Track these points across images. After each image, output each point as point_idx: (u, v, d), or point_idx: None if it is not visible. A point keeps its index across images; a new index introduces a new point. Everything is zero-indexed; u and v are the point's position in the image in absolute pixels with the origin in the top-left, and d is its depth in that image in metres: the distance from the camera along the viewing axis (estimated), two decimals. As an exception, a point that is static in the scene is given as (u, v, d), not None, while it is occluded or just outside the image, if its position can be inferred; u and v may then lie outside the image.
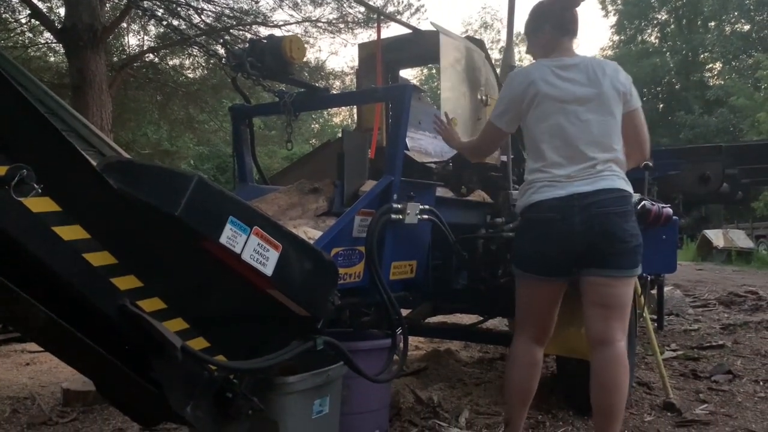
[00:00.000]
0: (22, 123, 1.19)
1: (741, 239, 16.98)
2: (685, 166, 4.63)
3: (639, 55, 31.22)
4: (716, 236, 16.79)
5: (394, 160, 2.44)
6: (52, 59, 13.34)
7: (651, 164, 3.96)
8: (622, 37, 33.99)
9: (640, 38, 33.24)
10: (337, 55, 59.70)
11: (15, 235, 1.19)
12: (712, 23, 30.81)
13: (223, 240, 1.47)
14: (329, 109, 24.03)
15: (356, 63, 4.25)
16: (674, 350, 4.60)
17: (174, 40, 11.13)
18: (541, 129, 2.29)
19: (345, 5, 11.11)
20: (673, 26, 32.38)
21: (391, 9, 11.41)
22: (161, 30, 11.94)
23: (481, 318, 3.86)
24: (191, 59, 13.28)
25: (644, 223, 2.74)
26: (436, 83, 28.40)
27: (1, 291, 1.20)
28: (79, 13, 8.72)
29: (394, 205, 2.39)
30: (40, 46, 13.08)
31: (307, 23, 11.56)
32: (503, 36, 8.51)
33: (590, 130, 2.25)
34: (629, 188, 2.29)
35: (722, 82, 27.89)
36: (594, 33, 70.57)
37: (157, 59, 12.79)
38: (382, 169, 2.56)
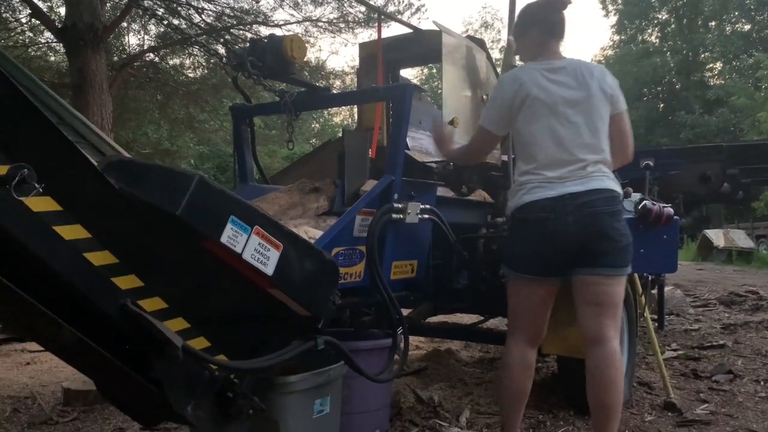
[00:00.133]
0: (22, 122, 1.19)
1: (741, 239, 16.98)
2: (685, 166, 4.63)
3: (639, 55, 31.21)
4: (717, 236, 16.79)
5: (395, 159, 2.44)
6: (52, 59, 13.35)
7: (651, 164, 3.97)
8: (623, 37, 33.97)
9: (640, 38, 33.23)
10: (338, 54, 59.89)
11: (16, 235, 1.19)
12: (713, 23, 30.81)
13: (223, 239, 1.47)
14: (330, 109, 24.02)
15: (357, 62, 4.25)
16: (675, 350, 4.60)
17: (174, 39, 11.14)
18: (531, 131, 2.31)
19: (345, 5, 11.12)
20: (673, 26, 32.37)
21: (391, 8, 11.41)
22: (162, 29, 11.96)
23: (482, 318, 3.86)
24: (192, 59, 13.29)
25: (645, 223, 2.75)
26: (436, 83, 28.41)
27: (1, 290, 1.19)
28: (80, 13, 8.72)
29: (395, 205, 2.39)
30: (41, 45, 13.09)
31: (307, 23, 11.57)
32: (504, 36, 8.51)
33: (580, 132, 2.28)
34: (619, 188, 2.32)
35: (723, 82, 27.90)
36: (594, 33, 70.61)
37: (157, 59, 12.79)
38: (382, 168, 2.56)
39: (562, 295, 2.39)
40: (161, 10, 9.80)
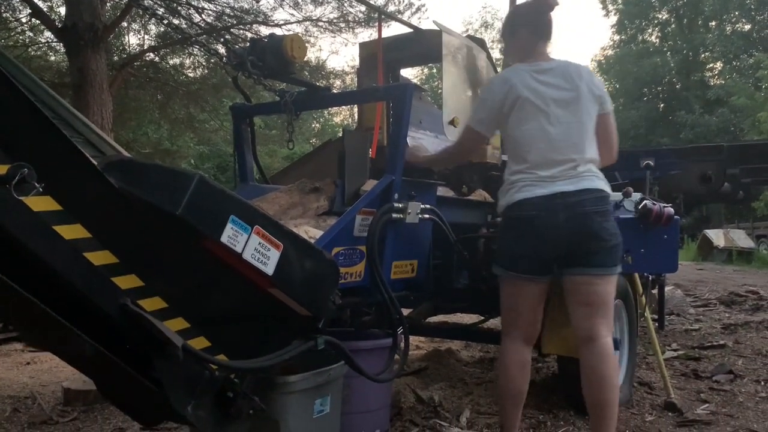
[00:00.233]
0: (22, 122, 1.19)
1: (742, 239, 16.98)
2: (686, 166, 4.63)
3: (640, 55, 31.20)
4: (717, 236, 16.80)
5: (395, 159, 2.44)
6: (52, 58, 13.35)
7: (652, 164, 3.97)
8: (623, 37, 33.95)
9: (640, 38, 33.22)
10: (338, 54, 59.82)
11: (16, 234, 1.19)
12: (713, 23, 30.79)
13: (224, 239, 1.46)
14: (330, 109, 24.02)
15: (357, 62, 4.24)
16: (675, 350, 4.60)
17: (175, 39, 11.14)
18: (522, 132, 2.34)
19: (346, 4, 11.11)
20: (673, 26, 32.36)
21: (392, 8, 11.40)
22: (162, 29, 11.95)
23: (482, 317, 3.85)
24: (192, 58, 13.28)
25: (645, 222, 2.75)
26: (436, 82, 28.40)
27: (1, 290, 1.19)
28: (80, 12, 8.72)
29: (395, 205, 2.39)
30: (41, 45, 13.09)
31: (307, 22, 11.56)
32: (504, 35, 8.46)
33: (570, 132, 2.31)
34: (608, 188, 2.36)
35: (723, 82, 27.88)
36: (594, 32, 70.65)
37: (157, 58, 12.78)
38: (383, 168, 2.56)
39: (562, 295, 2.39)
40: (161, 9, 9.80)
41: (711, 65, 31.46)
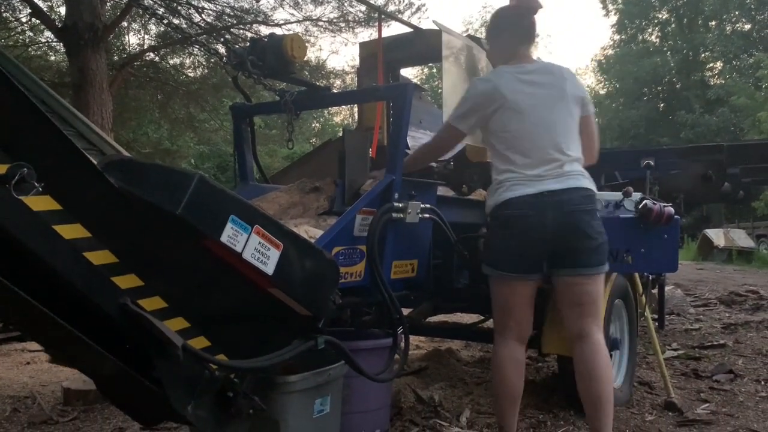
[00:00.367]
0: (22, 121, 1.19)
1: (742, 238, 16.98)
2: (686, 166, 4.63)
3: (640, 55, 31.20)
4: (717, 235, 16.79)
5: (395, 159, 2.44)
6: (52, 58, 13.34)
7: (652, 163, 3.97)
8: (623, 37, 33.95)
9: (640, 37, 33.22)
10: (338, 54, 59.75)
11: (15, 234, 1.19)
12: (713, 22, 30.78)
13: (224, 239, 1.46)
14: (330, 108, 24.04)
15: (357, 62, 4.24)
16: (675, 350, 4.59)
17: (175, 39, 11.13)
18: (507, 132, 2.37)
19: (346, 4, 11.11)
20: (673, 25, 32.35)
21: (392, 8, 11.40)
22: (162, 29, 11.94)
23: (482, 317, 3.85)
24: (192, 58, 13.27)
25: (646, 222, 2.75)
26: (436, 82, 28.39)
27: (1, 290, 1.19)
28: (80, 12, 8.71)
29: (396, 204, 2.39)
30: (41, 45, 13.08)
31: (307, 22, 11.55)
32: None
33: (555, 132, 2.35)
34: (594, 187, 2.40)
35: (723, 82, 27.88)
36: (594, 32, 70.66)
37: (157, 58, 12.78)
38: (383, 168, 2.56)
39: None
40: (161, 9, 9.79)
41: (711, 65, 31.46)
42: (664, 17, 32.72)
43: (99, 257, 1.35)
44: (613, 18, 34.21)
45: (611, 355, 3.17)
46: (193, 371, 1.54)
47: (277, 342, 1.74)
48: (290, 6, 11.32)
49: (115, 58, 12.05)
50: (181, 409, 1.50)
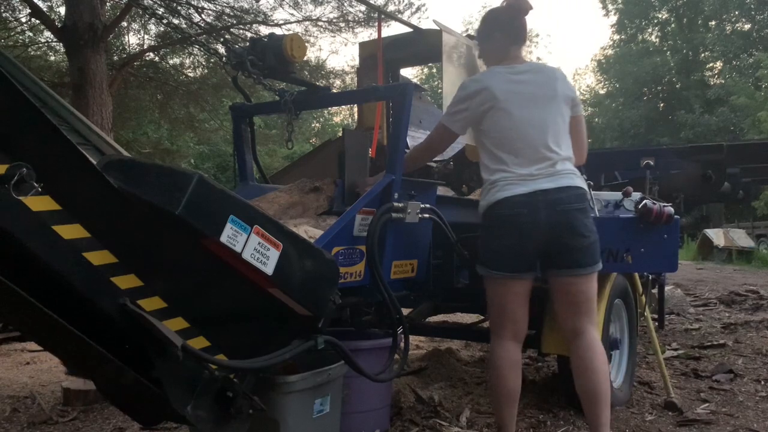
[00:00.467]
0: (22, 121, 1.19)
1: (741, 238, 16.96)
2: (686, 165, 4.63)
3: (639, 55, 31.21)
4: (717, 235, 16.77)
5: (395, 159, 2.44)
6: (52, 58, 13.33)
7: (652, 163, 3.97)
8: (623, 37, 33.96)
9: (640, 37, 33.22)
10: (338, 54, 59.77)
11: (15, 234, 1.19)
12: (713, 22, 30.79)
13: (223, 239, 1.46)
14: (330, 108, 24.03)
15: (357, 62, 4.24)
16: (675, 349, 4.59)
17: (174, 38, 11.12)
18: (499, 132, 2.38)
19: (345, 4, 11.09)
20: (673, 25, 32.36)
21: (391, 8, 11.38)
22: (161, 29, 11.92)
23: (482, 317, 3.85)
24: (192, 58, 13.25)
25: (645, 222, 2.75)
26: (436, 82, 28.40)
27: (1, 290, 1.19)
28: (80, 12, 8.70)
29: (395, 204, 2.39)
30: (41, 45, 13.07)
31: (307, 22, 11.53)
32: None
33: (547, 131, 2.36)
34: (585, 186, 2.42)
35: (723, 82, 27.89)
36: (594, 32, 70.66)
37: (157, 58, 12.77)
38: (382, 167, 2.56)
39: None
40: (161, 9, 9.79)
41: (711, 65, 31.47)
42: (663, 17, 32.73)
43: (98, 257, 1.34)
44: (613, 18, 34.27)
45: (611, 355, 3.18)
46: (192, 371, 1.54)
47: (277, 342, 1.74)
48: (290, 6, 11.31)
49: (115, 58, 12.04)
50: (181, 409, 1.50)
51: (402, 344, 2.47)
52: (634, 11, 32.29)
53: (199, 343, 1.58)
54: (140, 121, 15.13)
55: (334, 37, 12.01)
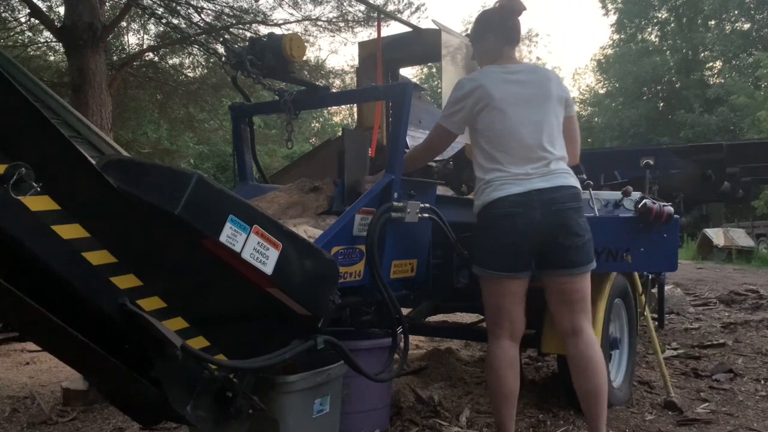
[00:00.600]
0: (21, 121, 1.19)
1: (741, 238, 16.96)
2: (686, 165, 4.63)
3: (639, 54, 31.22)
4: (717, 235, 16.77)
5: (395, 158, 2.44)
6: (51, 58, 13.33)
7: (652, 163, 3.97)
8: (623, 36, 33.96)
9: (640, 37, 33.23)
10: (337, 53, 59.79)
11: (14, 234, 1.19)
12: (713, 22, 30.80)
13: (222, 238, 1.46)
14: (329, 108, 24.01)
15: (356, 61, 4.24)
16: (675, 349, 4.59)
17: (174, 38, 11.11)
18: (493, 131, 2.38)
19: (345, 4, 11.08)
20: (673, 25, 32.36)
21: (391, 7, 11.38)
22: (161, 29, 11.92)
23: (482, 317, 3.85)
24: (191, 58, 13.26)
25: (645, 221, 2.75)
26: (436, 82, 28.41)
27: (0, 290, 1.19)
28: (79, 12, 8.70)
29: (395, 204, 2.39)
30: (40, 45, 13.07)
31: (307, 22, 11.54)
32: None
33: (541, 131, 2.38)
34: (579, 185, 2.43)
35: (723, 81, 27.89)
36: (594, 32, 70.68)
37: (156, 58, 12.76)
38: (382, 167, 2.56)
39: None
40: (160, 9, 9.78)
41: (710, 64, 31.49)
42: (663, 16, 32.74)
43: (98, 257, 1.34)
44: (613, 17, 34.27)
45: (611, 355, 3.18)
46: (192, 371, 1.54)
47: (277, 342, 1.74)
48: (289, 6, 11.31)
49: (115, 58, 12.04)
50: (180, 409, 1.50)
51: (402, 344, 2.47)
52: (634, 11, 32.29)
53: (198, 343, 1.57)
54: (140, 121, 15.13)
55: (334, 36, 12.02)
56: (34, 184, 1.15)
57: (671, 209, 2.79)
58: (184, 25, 10.29)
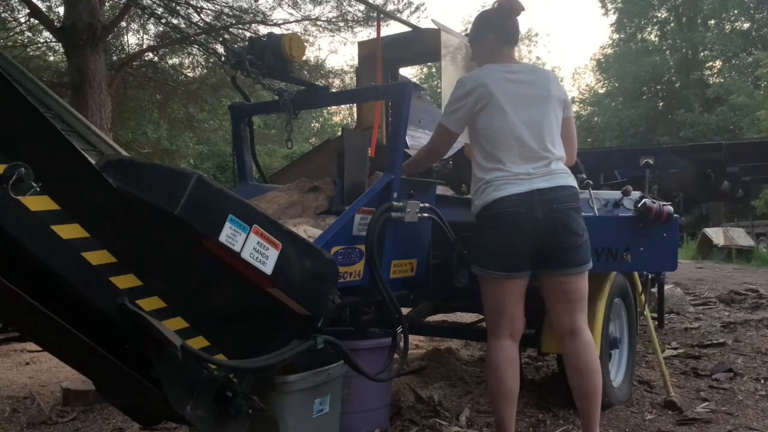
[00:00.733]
0: (20, 121, 1.19)
1: (741, 237, 16.96)
2: (685, 164, 4.63)
3: (639, 54, 31.22)
4: (716, 234, 16.78)
5: (395, 158, 2.44)
6: (51, 58, 13.35)
7: (651, 162, 3.97)
8: (622, 36, 33.98)
9: (640, 36, 33.23)
10: (337, 53, 59.76)
11: (13, 234, 1.19)
12: (712, 21, 30.80)
13: (222, 238, 1.46)
14: (329, 108, 24.02)
15: (356, 61, 4.24)
16: (675, 348, 4.59)
17: (173, 38, 11.12)
18: (494, 130, 2.38)
19: (344, 3, 11.10)
20: (672, 24, 32.37)
21: (391, 7, 11.39)
22: (161, 29, 11.93)
23: (482, 316, 3.85)
24: (191, 58, 13.28)
25: (645, 221, 2.75)
26: (435, 81, 28.42)
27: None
28: (79, 12, 8.71)
29: (394, 204, 2.39)
30: (40, 45, 13.09)
31: (306, 22, 11.56)
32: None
33: (541, 131, 2.38)
34: (577, 185, 2.46)
35: (722, 81, 27.90)
36: (593, 31, 70.67)
37: (156, 58, 12.78)
38: (382, 167, 2.56)
39: None
40: (160, 9, 9.79)
41: (710, 64, 31.50)
42: (663, 16, 32.75)
43: (97, 257, 1.34)
44: (612, 17, 34.31)
45: (611, 354, 3.18)
46: (192, 371, 1.54)
47: (276, 342, 1.74)
48: (289, 5, 11.33)
49: (114, 58, 12.05)
50: (180, 409, 1.50)
51: (401, 344, 2.47)
52: (634, 10, 32.29)
53: (198, 342, 1.57)
54: (139, 121, 15.15)
55: (333, 36, 12.04)
56: (33, 184, 1.15)
57: (671, 209, 2.79)
58: (183, 25, 10.30)
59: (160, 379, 1.46)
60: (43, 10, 10.86)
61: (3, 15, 11.61)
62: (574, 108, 3.17)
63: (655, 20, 32.91)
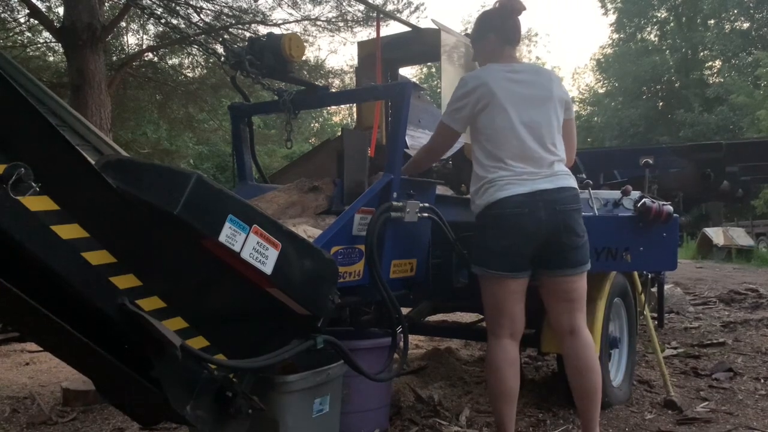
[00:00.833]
0: (20, 121, 1.19)
1: (741, 237, 16.97)
2: (685, 164, 4.63)
3: (638, 53, 31.24)
4: (716, 234, 16.77)
5: (394, 158, 2.44)
6: (51, 59, 13.34)
7: (651, 162, 3.97)
8: (622, 35, 33.98)
9: (639, 36, 33.24)
10: (337, 53, 59.65)
11: (13, 234, 1.19)
12: (712, 21, 30.80)
13: (222, 238, 1.46)
14: (329, 108, 24.01)
15: (356, 61, 4.24)
16: (675, 348, 4.60)
17: (173, 39, 11.12)
18: (496, 129, 2.38)
19: (344, 3, 11.10)
20: (672, 24, 32.37)
21: (390, 7, 11.39)
22: (160, 29, 11.93)
23: (482, 316, 3.85)
24: (190, 58, 13.27)
25: (644, 220, 2.75)
26: (435, 81, 28.42)
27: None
28: (78, 12, 8.70)
29: (394, 204, 2.39)
30: (39, 45, 13.08)
31: (306, 22, 11.55)
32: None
33: (542, 131, 2.39)
34: (577, 186, 2.47)
35: (722, 80, 27.91)
36: (593, 31, 70.67)
37: (156, 58, 12.77)
38: (382, 167, 2.56)
39: None
40: (160, 9, 9.78)
41: (710, 63, 31.50)
42: (662, 16, 32.75)
43: (97, 257, 1.34)
44: (612, 17, 34.32)
45: (610, 354, 3.18)
46: (191, 371, 1.54)
47: (276, 341, 1.74)
48: (288, 5, 11.32)
49: (114, 58, 12.04)
50: (180, 409, 1.50)
51: (401, 343, 2.47)
52: (633, 10, 32.30)
53: (198, 342, 1.57)
54: (139, 122, 15.15)
55: (333, 36, 12.04)
56: (33, 184, 1.15)
57: (670, 208, 2.79)
58: (183, 25, 10.29)
59: (159, 379, 1.46)
60: (43, 10, 10.85)
61: (3, 15, 11.60)
62: (574, 108, 3.15)
63: (654, 20, 32.92)
